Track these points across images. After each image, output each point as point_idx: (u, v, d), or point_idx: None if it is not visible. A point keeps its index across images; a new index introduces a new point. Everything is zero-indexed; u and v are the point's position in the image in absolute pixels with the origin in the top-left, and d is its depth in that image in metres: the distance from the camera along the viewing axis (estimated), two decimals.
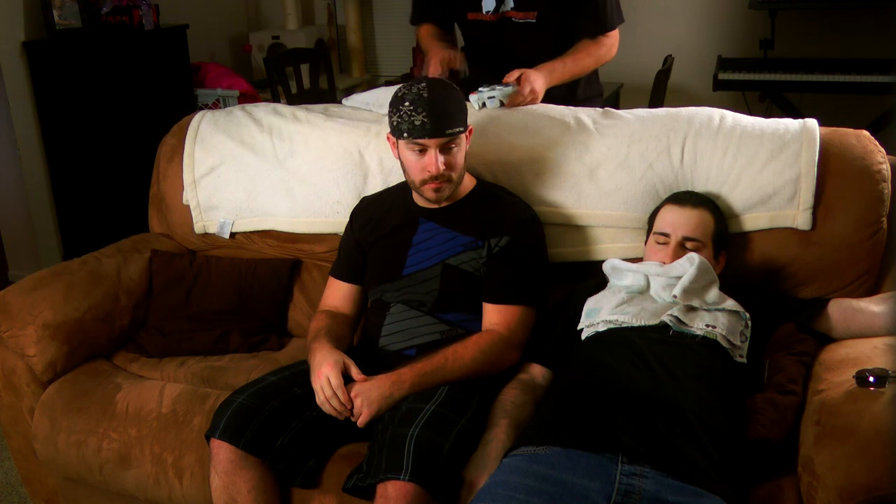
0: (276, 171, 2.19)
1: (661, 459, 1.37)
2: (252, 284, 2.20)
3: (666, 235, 1.78)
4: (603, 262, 1.84)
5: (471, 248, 1.82)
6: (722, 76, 3.87)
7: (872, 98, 3.76)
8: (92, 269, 2.14)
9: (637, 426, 1.42)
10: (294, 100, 3.88)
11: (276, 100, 3.84)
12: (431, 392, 1.65)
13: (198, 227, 2.29)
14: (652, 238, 1.82)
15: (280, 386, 1.70)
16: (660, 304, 1.70)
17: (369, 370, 1.69)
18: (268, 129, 2.23)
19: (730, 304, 1.67)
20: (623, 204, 1.94)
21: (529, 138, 2.01)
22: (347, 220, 2.01)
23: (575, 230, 1.98)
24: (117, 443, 1.85)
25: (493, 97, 2.10)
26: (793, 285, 1.86)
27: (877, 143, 1.88)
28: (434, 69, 2.17)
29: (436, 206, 1.86)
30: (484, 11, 2.28)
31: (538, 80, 2.12)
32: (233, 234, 2.27)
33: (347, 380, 1.67)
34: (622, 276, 1.78)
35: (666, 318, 1.65)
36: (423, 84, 1.75)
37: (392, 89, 1.84)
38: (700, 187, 1.90)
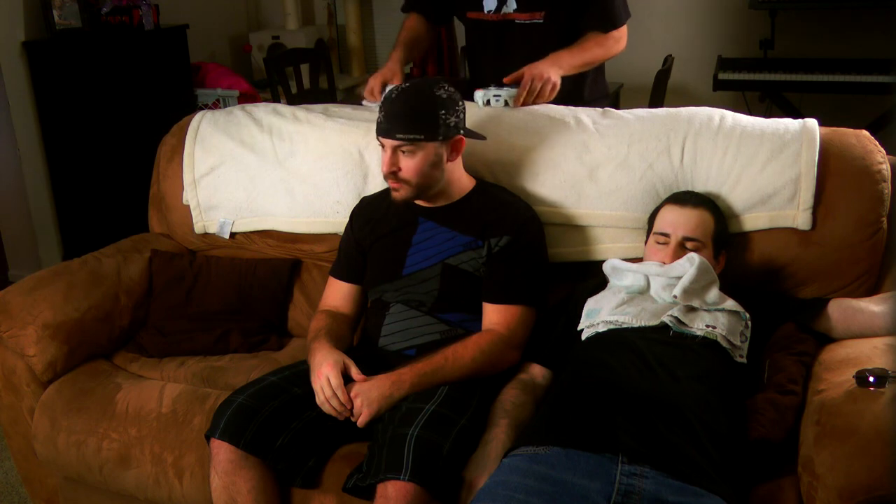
0: (276, 171, 2.19)
1: (661, 459, 1.37)
2: (252, 284, 2.20)
3: (666, 235, 1.78)
4: (603, 262, 1.84)
5: (470, 247, 1.82)
6: (722, 76, 3.87)
7: (872, 98, 3.76)
8: (92, 269, 2.14)
9: (637, 426, 1.42)
10: (294, 100, 3.88)
11: (276, 100, 3.84)
12: (431, 392, 1.65)
13: (198, 227, 2.29)
14: (652, 238, 1.82)
15: (280, 386, 1.70)
16: (660, 305, 1.70)
17: (369, 370, 1.69)
18: (268, 129, 2.23)
19: (730, 304, 1.67)
20: (623, 204, 1.94)
21: (529, 138, 2.01)
22: (347, 220, 2.01)
23: (575, 230, 1.98)
24: (117, 443, 1.85)
25: (499, 96, 2.09)
26: (793, 285, 1.86)
27: (877, 143, 1.88)
28: (369, 86, 2.19)
29: (433, 205, 1.86)
30: (485, 11, 2.27)
31: (545, 67, 2.10)
32: (233, 234, 2.27)
33: (347, 380, 1.67)
34: (622, 276, 1.78)
35: (666, 319, 1.65)
36: (403, 86, 1.79)
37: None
38: (700, 187, 1.90)
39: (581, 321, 1.75)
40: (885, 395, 1.38)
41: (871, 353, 1.56)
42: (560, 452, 1.40)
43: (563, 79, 2.14)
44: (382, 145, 1.79)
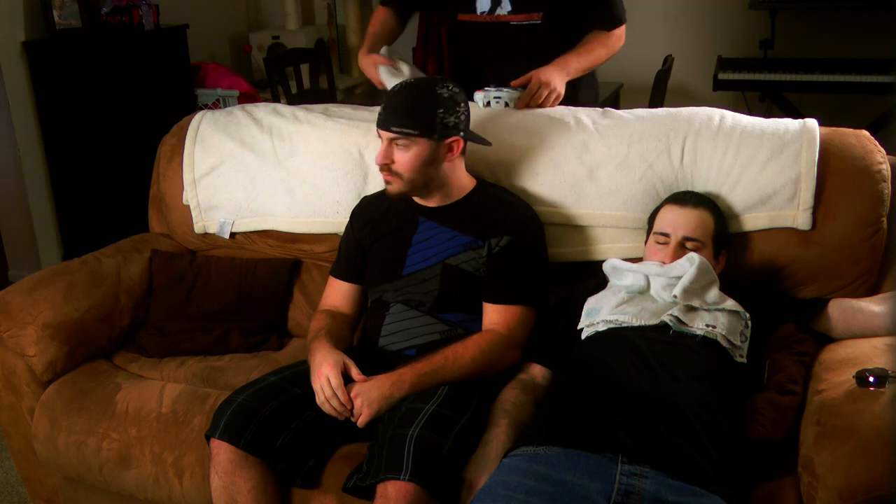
0: (276, 171, 2.19)
1: (661, 459, 1.37)
2: (252, 284, 2.20)
3: (666, 235, 1.78)
4: (603, 262, 1.84)
5: (471, 247, 1.82)
6: (722, 76, 3.87)
7: (872, 98, 3.76)
8: (92, 269, 2.14)
9: (637, 426, 1.42)
10: (294, 100, 3.88)
11: (276, 100, 3.84)
12: (431, 392, 1.65)
13: (198, 227, 2.29)
14: (652, 238, 1.82)
15: (280, 386, 1.70)
16: (660, 304, 1.70)
17: (369, 370, 1.69)
18: (268, 129, 2.23)
19: (730, 304, 1.67)
20: (623, 204, 1.94)
21: (529, 138, 2.01)
22: (347, 219, 2.01)
23: (575, 230, 1.98)
24: (117, 443, 1.85)
25: (500, 98, 2.09)
26: (793, 285, 1.86)
27: (877, 143, 1.88)
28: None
29: (434, 204, 1.86)
30: (478, 13, 2.24)
31: (553, 75, 2.10)
32: (233, 234, 2.27)
33: (347, 380, 1.67)
34: (622, 276, 1.78)
35: (666, 318, 1.65)
36: (410, 81, 1.82)
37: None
38: (700, 187, 1.90)
39: (581, 320, 1.75)
40: (885, 395, 1.38)
41: (871, 353, 1.56)
42: (560, 452, 1.40)
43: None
44: (380, 136, 1.79)
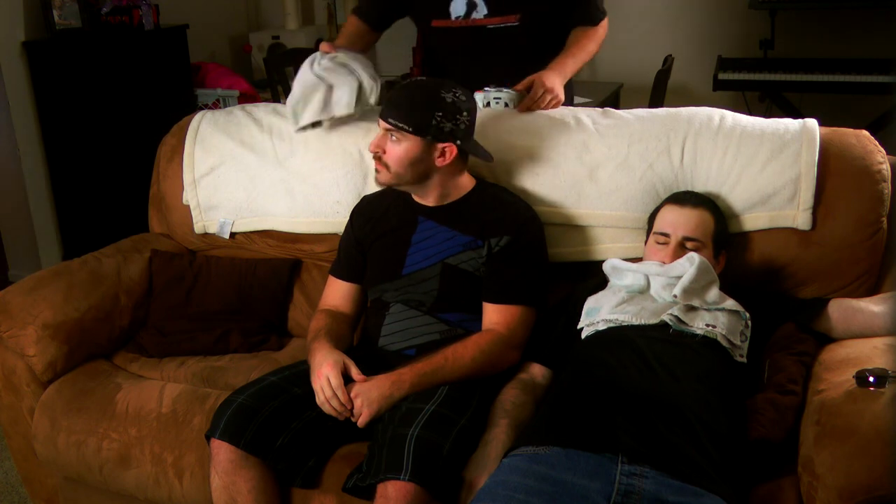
0: (276, 171, 2.19)
1: (661, 459, 1.37)
2: (252, 284, 2.20)
3: (666, 235, 1.78)
4: (603, 262, 1.84)
5: (470, 247, 1.82)
6: (722, 76, 3.87)
7: (872, 98, 3.76)
8: (92, 269, 2.14)
9: (637, 426, 1.42)
10: None
11: (276, 100, 3.84)
12: (431, 392, 1.65)
13: (198, 227, 2.29)
14: (652, 238, 1.82)
15: (280, 386, 1.70)
16: (660, 304, 1.70)
17: (369, 370, 1.69)
18: (268, 129, 2.23)
19: (730, 303, 1.67)
20: (623, 204, 1.94)
21: (529, 138, 2.01)
22: (347, 219, 2.01)
23: (575, 230, 1.98)
24: (117, 443, 1.85)
25: (500, 98, 2.08)
26: (793, 285, 1.86)
27: (877, 143, 1.88)
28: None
29: (434, 204, 1.86)
30: (453, 17, 2.20)
31: (554, 79, 2.10)
32: (233, 234, 2.27)
33: (348, 380, 1.67)
34: (622, 275, 1.78)
35: (666, 318, 1.65)
36: (421, 78, 1.85)
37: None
38: (700, 187, 1.90)
39: (581, 320, 1.76)
40: (885, 395, 1.38)
41: (871, 353, 1.56)
42: (560, 452, 1.40)
43: None
44: (379, 125, 1.82)
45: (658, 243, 1.79)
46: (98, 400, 1.92)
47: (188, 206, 2.28)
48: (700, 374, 1.55)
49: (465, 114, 1.79)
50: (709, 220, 1.79)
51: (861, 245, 1.81)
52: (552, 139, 2.00)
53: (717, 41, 4.22)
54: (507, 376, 1.75)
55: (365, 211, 1.98)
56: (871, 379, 1.41)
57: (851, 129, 1.92)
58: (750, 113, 2.05)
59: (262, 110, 2.29)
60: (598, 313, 1.73)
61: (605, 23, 2.28)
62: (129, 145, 3.72)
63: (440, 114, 1.75)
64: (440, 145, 1.78)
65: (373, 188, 2.08)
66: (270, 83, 4.01)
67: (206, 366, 2.01)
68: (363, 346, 1.90)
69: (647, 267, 1.75)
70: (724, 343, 1.62)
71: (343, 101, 2.09)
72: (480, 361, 1.71)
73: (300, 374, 1.73)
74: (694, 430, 1.43)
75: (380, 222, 1.93)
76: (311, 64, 2.12)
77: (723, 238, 1.82)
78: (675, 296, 1.67)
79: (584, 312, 1.77)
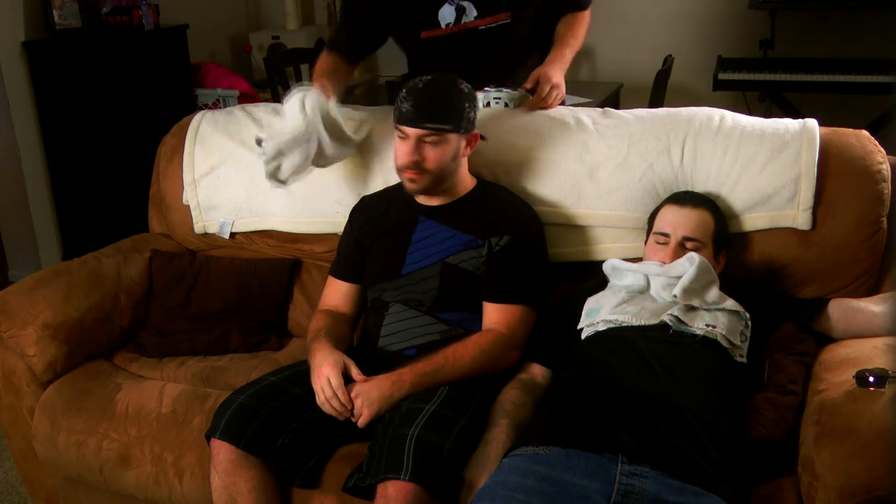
0: None
1: (661, 459, 1.37)
2: (252, 284, 2.20)
3: (666, 235, 1.78)
4: (603, 262, 1.84)
5: (471, 246, 1.82)
6: (722, 76, 3.87)
7: (872, 98, 3.76)
8: (92, 269, 2.14)
9: (637, 426, 1.42)
10: None
11: (276, 100, 3.83)
12: (432, 392, 1.65)
13: (198, 227, 2.29)
14: (652, 238, 1.82)
15: (280, 386, 1.70)
16: (660, 304, 1.70)
17: (369, 370, 1.69)
18: (268, 129, 2.23)
19: (730, 303, 1.67)
20: (623, 204, 1.94)
21: (529, 138, 2.01)
22: (347, 219, 2.01)
23: (575, 230, 1.98)
24: (117, 443, 1.85)
25: (500, 98, 2.08)
26: (793, 285, 1.86)
27: (877, 143, 1.88)
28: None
29: (434, 203, 1.86)
30: (443, 25, 2.13)
31: (557, 73, 2.10)
32: (233, 234, 2.27)
33: (348, 380, 1.67)
34: (622, 275, 1.78)
35: (666, 318, 1.65)
36: (430, 77, 1.79)
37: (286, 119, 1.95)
38: (700, 187, 1.90)
39: (581, 320, 1.75)
40: (885, 395, 1.38)
41: (871, 353, 1.56)
42: (560, 452, 1.40)
43: None
44: (404, 135, 1.77)
45: (658, 243, 1.79)
46: (98, 400, 1.92)
47: (188, 206, 2.28)
48: (700, 375, 1.55)
49: (475, 99, 1.83)
50: (709, 220, 1.79)
51: (861, 245, 1.81)
52: (552, 139, 2.00)
53: (717, 41, 4.22)
54: (507, 376, 1.75)
55: (364, 211, 1.98)
56: (871, 379, 1.41)
57: (851, 129, 1.92)
58: (750, 113, 2.05)
59: (262, 110, 2.29)
60: (598, 314, 1.73)
61: (589, 6, 2.30)
62: (129, 145, 3.72)
63: (466, 104, 1.78)
64: (468, 135, 1.81)
65: (372, 188, 2.08)
66: (270, 83, 4.01)
67: (206, 366, 2.01)
68: (363, 347, 1.90)
69: (647, 267, 1.75)
70: (724, 343, 1.62)
71: (326, 156, 1.98)
72: (481, 361, 1.71)
73: (300, 374, 1.73)
74: (694, 430, 1.43)
75: (379, 222, 1.92)
76: (302, 104, 1.95)
77: (723, 238, 1.82)
78: (675, 296, 1.67)
79: (584, 313, 1.77)
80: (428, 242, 1.85)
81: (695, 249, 1.74)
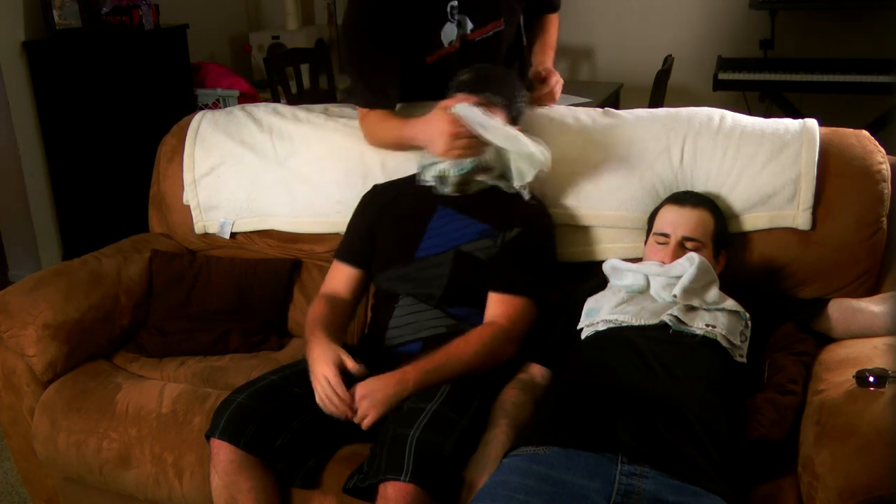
0: (277, 171, 2.19)
1: (661, 459, 1.37)
2: (252, 284, 2.20)
3: (666, 236, 1.78)
4: (603, 262, 1.84)
5: (486, 235, 1.82)
6: (722, 76, 3.87)
7: (872, 98, 3.76)
8: (92, 269, 2.14)
9: (637, 426, 1.41)
10: (294, 100, 3.88)
11: (276, 100, 3.85)
12: (433, 391, 1.64)
13: (198, 228, 2.29)
14: (652, 238, 1.82)
15: (280, 385, 1.70)
16: (660, 304, 1.70)
17: (373, 367, 1.69)
18: (268, 129, 2.23)
19: (730, 303, 1.67)
20: (623, 204, 1.94)
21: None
22: (349, 218, 2.01)
23: (575, 230, 1.98)
24: (117, 443, 1.85)
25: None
26: (793, 285, 1.86)
27: (877, 143, 1.88)
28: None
29: (454, 194, 1.87)
30: (446, 44, 2.06)
31: (552, 66, 2.18)
32: (233, 234, 2.27)
33: (347, 379, 1.67)
34: (622, 275, 1.78)
35: (666, 318, 1.65)
36: (483, 65, 1.95)
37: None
38: (700, 187, 1.90)
39: (581, 320, 1.76)
40: (885, 395, 1.38)
41: (871, 353, 1.56)
42: (560, 452, 1.40)
43: None
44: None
45: (658, 243, 1.79)
46: (98, 400, 1.92)
47: (188, 206, 2.28)
48: (700, 374, 1.55)
49: (525, 97, 1.95)
50: (708, 220, 1.79)
51: (861, 245, 1.81)
52: (552, 139, 2.00)
53: (717, 41, 4.22)
54: (507, 376, 1.75)
55: (378, 198, 1.98)
56: (871, 379, 1.41)
57: (851, 129, 1.92)
58: (750, 113, 2.05)
59: (262, 110, 2.29)
60: (598, 313, 1.73)
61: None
62: (129, 145, 3.72)
63: (518, 93, 1.90)
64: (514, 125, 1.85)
65: None
66: (270, 83, 4.01)
67: (206, 366, 2.01)
68: (368, 342, 1.89)
69: (646, 267, 1.75)
70: (724, 343, 1.62)
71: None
72: (482, 354, 1.71)
73: (300, 373, 1.73)
74: (694, 430, 1.43)
75: (394, 208, 1.93)
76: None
77: (722, 238, 1.82)
78: (674, 296, 1.67)
79: (584, 313, 1.77)
80: (444, 230, 1.86)
81: (694, 249, 1.74)
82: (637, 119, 2.01)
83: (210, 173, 2.25)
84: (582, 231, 1.98)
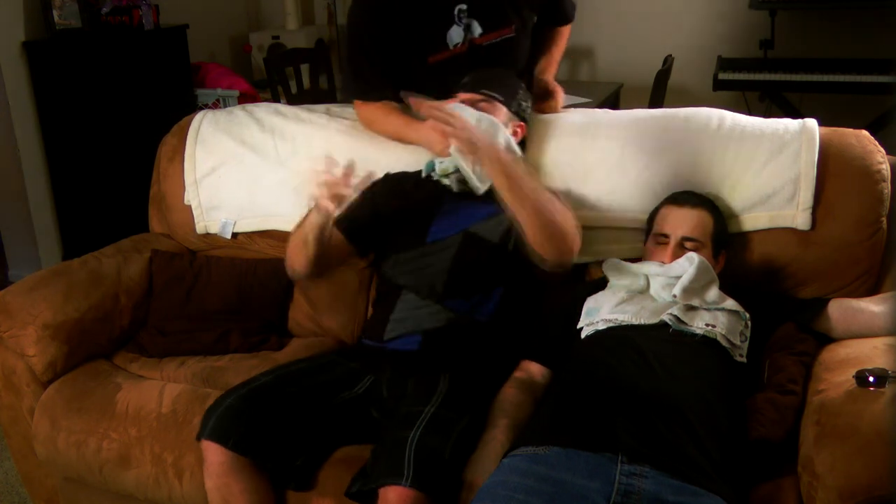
0: (279, 172, 2.19)
1: (661, 459, 1.37)
2: (252, 284, 2.20)
3: (665, 236, 1.78)
4: (603, 262, 1.84)
5: (493, 214, 1.82)
6: (722, 76, 3.87)
7: (872, 98, 3.76)
8: (92, 269, 2.14)
9: (637, 426, 1.42)
10: (294, 100, 3.88)
11: (276, 100, 3.85)
12: (431, 392, 1.64)
13: (199, 228, 2.29)
14: (651, 238, 1.82)
15: (272, 386, 1.69)
16: (660, 303, 1.70)
17: (369, 367, 1.69)
18: (269, 130, 2.23)
19: (729, 303, 1.67)
20: (622, 204, 1.94)
21: (529, 140, 2.01)
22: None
23: None
24: (117, 443, 1.85)
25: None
26: (793, 285, 1.86)
27: (876, 143, 1.88)
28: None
29: (460, 189, 1.87)
30: (451, 46, 2.06)
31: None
32: (234, 235, 2.27)
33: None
34: (622, 275, 1.78)
35: (665, 317, 1.65)
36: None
37: None
38: (700, 187, 1.89)
39: (581, 319, 1.76)
40: (885, 395, 1.38)
41: (871, 353, 1.56)
42: (560, 452, 1.40)
43: None
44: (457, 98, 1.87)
45: (657, 243, 1.79)
46: (98, 400, 1.92)
47: (189, 206, 2.28)
48: (700, 374, 1.55)
49: (530, 97, 1.99)
50: (708, 220, 1.79)
51: (861, 245, 1.81)
52: (551, 140, 2.00)
53: (717, 41, 4.22)
54: (506, 376, 1.75)
55: (390, 183, 1.98)
56: (871, 379, 1.41)
57: (851, 129, 1.92)
58: (750, 113, 2.05)
59: (263, 110, 2.30)
60: (597, 313, 1.73)
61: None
62: (129, 145, 3.72)
63: (521, 91, 1.94)
64: (514, 123, 1.89)
65: None
66: (270, 83, 4.01)
67: (206, 366, 2.01)
68: (366, 337, 1.89)
69: (646, 267, 1.76)
70: (724, 343, 1.62)
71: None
72: (562, 218, 1.74)
73: (292, 374, 1.73)
74: (694, 429, 1.43)
75: (404, 195, 1.94)
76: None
77: (722, 238, 1.82)
78: (674, 295, 1.67)
79: (583, 312, 1.77)
80: (452, 216, 1.87)
81: (694, 249, 1.74)
82: (636, 119, 2.01)
83: (211, 173, 2.25)
84: (582, 231, 1.97)
